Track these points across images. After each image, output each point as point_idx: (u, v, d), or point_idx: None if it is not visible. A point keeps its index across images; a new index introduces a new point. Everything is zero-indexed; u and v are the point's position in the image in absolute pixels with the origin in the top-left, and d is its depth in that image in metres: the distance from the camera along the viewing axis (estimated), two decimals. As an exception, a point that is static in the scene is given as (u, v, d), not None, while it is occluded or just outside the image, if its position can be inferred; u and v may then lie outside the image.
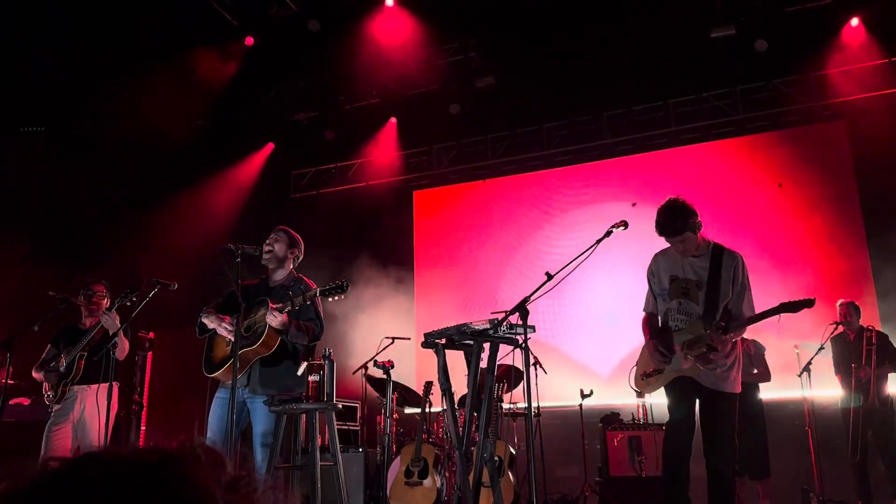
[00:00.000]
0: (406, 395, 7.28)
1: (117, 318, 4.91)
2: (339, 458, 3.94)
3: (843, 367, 6.45)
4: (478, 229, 9.80)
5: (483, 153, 9.86)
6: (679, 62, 8.59)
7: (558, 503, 7.19)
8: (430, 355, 4.07)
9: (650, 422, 6.88)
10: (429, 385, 6.61)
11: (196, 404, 7.32)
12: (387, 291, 9.03)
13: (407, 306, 9.46)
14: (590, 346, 8.68)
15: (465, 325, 3.89)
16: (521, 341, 3.75)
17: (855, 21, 8.15)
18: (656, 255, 4.23)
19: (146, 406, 8.27)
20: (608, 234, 3.81)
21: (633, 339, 4.57)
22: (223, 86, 9.38)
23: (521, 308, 3.66)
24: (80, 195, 8.52)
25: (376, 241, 9.76)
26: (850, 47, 8.20)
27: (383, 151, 10.21)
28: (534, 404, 4.42)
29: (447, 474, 6.15)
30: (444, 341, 3.98)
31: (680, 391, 3.95)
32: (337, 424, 4.24)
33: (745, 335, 4.45)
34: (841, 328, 6.45)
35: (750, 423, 6.04)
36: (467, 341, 3.98)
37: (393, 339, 6.79)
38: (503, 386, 6.12)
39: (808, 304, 3.67)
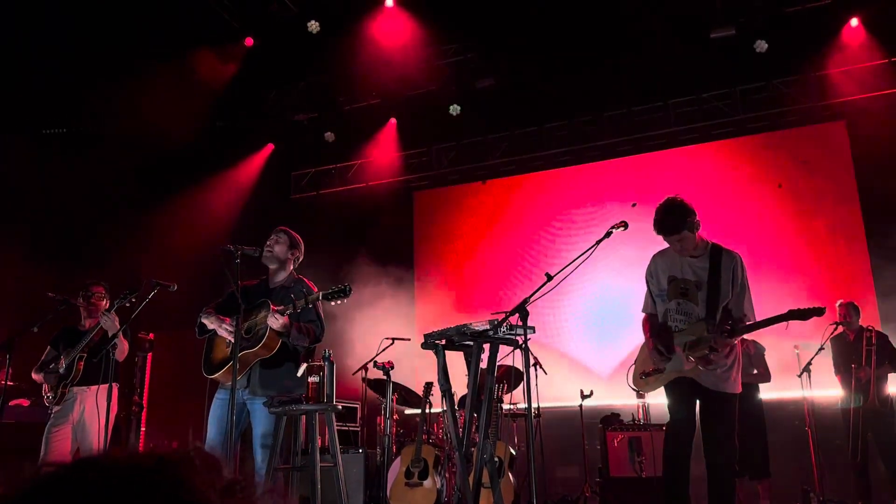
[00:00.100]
0: (406, 396, 7.28)
1: (117, 319, 4.90)
2: (339, 459, 3.94)
3: (843, 367, 6.45)
4: (478, 230, 9.79)
5: (483, 154, 9.86)
6: (679, 62, 8.58)
7: (558, 504, 7.20)
8: (430, 356, 4.07)
9: (650, 422, 6.88)
10: (429, 386, 6.61)
11: (196, 405, 7.32)
12: (386, 292, 9.02)
13: (407, 307, 9.45)
14: (590, 346, 8.68)
15: (464, 325, 3.89)
16: (520, 342, 3.75)
17: (855, 21, 8.14)
18: (654, 255, 4.23)
19: (146, 407, 8.26)
20: (608, 234, 3.80)
21: (633, 340, 4.56)
22: (223, 86, 9.38)
23: (521, 309, 3.66)
24: (80, 195, 8.50)
25: (376, 242, 9.75)
26: (850, 47, 8.19)
27: (383, 152, 10.21)
28: (534, 405, 4.43)
29: (447, 475, 6.14)
30: (443, 342, 3.99)
31: (680, 392, 3.95)
32: (337, 425, 4.24)
33: (744, 336, 4.45)
34: (841, 328, 6.45)
35: (750, 424, 6.05)
36: (467, 342, 3.98)
37: (393, 339, 6.79)
38: (503, 387, 6.12)
39: (818, 312, 3.61)
